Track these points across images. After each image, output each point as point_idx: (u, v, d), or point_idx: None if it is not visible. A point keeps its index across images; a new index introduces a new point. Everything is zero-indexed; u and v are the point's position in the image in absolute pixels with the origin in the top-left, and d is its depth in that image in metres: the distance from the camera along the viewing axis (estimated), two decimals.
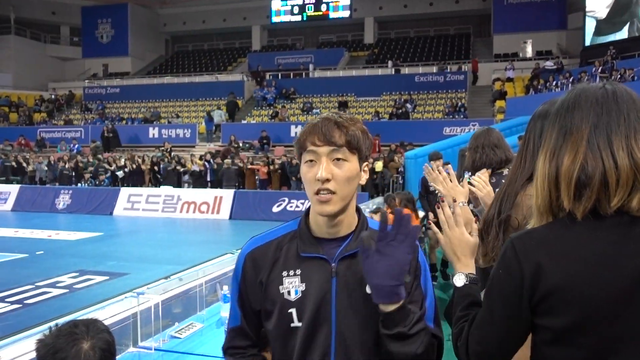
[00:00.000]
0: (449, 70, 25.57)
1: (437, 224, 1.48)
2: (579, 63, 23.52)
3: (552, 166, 1.10)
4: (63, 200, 16.53)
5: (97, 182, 18.08)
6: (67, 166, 19.19)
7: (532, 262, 1.06)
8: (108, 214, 15.71)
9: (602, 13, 23.01)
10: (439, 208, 1.43)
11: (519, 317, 1.09)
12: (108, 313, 2.96)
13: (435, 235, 1.45)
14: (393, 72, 26.42)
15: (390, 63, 27.83)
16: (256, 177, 17.51)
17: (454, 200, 1.83)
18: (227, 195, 15.28)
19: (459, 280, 1.31)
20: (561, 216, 1.09)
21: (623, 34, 22.03)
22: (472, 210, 2.77)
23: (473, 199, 3.05)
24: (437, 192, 2.19)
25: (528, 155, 1.69)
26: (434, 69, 25.68)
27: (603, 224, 1.04)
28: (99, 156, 20.09)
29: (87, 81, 31.95)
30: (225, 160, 17.24)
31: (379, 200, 9.56)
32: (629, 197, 1.03)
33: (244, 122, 24.17)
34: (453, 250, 1.37)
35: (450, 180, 2.08)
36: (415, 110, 22.85)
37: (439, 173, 2.13)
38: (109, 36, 34.39)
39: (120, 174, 18.47)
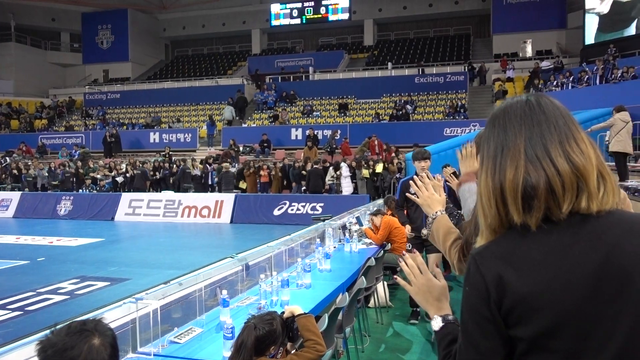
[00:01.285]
0: (461, 70, 25.55)
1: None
2: (579, 62, 23.49)
3: (495, 183, 1.11)
4: (64, 206, 16.55)
5: (97, 188, 18.09)
6: (67, 169, 19.24)
7: (494, 274, 1.07)
8: (109, 219, 15.72)
9: (604, 8, 22.93)
10: (401, 261, 1.47)
11: (495, 331, 1.08)
12: (107, 319, 2.95)
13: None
14: (393, 74, 26.43)
15: (390, 65, 27.84)
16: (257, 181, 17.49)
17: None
18: (228, 199, 15.28)
19: (436, 324, 1.33)
20: (514, 227, 1.11)
21: (630, 30, 21.93)
22: (460, 213, 2.71)
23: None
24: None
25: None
26: (434, 70, 25.67)
27: (556, 227, 1.06)
28: (92, 164, 20.10)
29: (87, 87, 32.03)
30: (224, 164, 17.24)
31: (380, 202, 9.55)
32: (577, 199, 1.06)
33: (244, 125, 24.19)
34: (424, 298, 1.40)
35: (427, 189, 2.03)
36: (416, 112, 22.83)
37: (423, 178, 2.09)
38: (109, 42, 34.49)
39: (120, 179, 18.48)
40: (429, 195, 2.00)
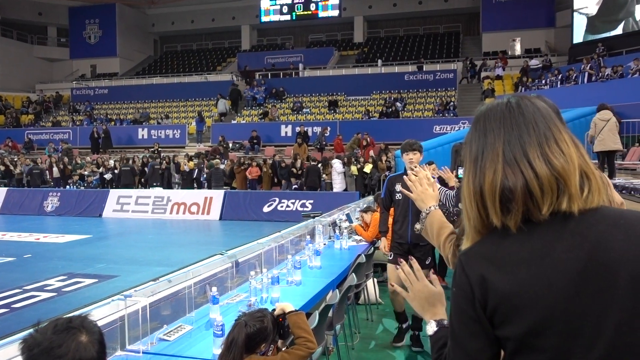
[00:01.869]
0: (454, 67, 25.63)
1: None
2: (567, 60, 23.68)
3: (476, 186, 1.12)
4: (51, 202, 16.37)
5: (85, 185, 17.93)
6: (52, 163, 19.08)
7: (477, 274, 1.08)
8: (97, 216, 15.58)
9: (592, 10, 23.13)
10: (398, 268, 1.48)
11: (482, 331, 1.09)
12: (95, 316, 2.91)
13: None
14: (383, 71, 26.46)
15: (379, 62, 27.87)
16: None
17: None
18: (217, 195, 15.21)
19: (431, 329, 1.34)
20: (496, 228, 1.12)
21: (618, 31, 22.15)
22: (457, 210, 2.72)
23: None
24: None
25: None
26: (424, 67, 25.74)
27: (537, 227, 1.06)
28: (80, 160, 19.91)
29: (75, 82, 31.70)
30: (215, 161, 17.16)
31: (370, 199, 9.56)
32: (558, 201, 1.05)
33: (233, 122, 24.10)
34: (420, 304, 1.41)
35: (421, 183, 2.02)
36: (405, 109, 22.88)
37: (418, 171, 2.07)
38: (96, 37, 34.14)
39: (108, 176, 18.33)
40: (423, 190, 1.99)
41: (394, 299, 5.03)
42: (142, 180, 17.96)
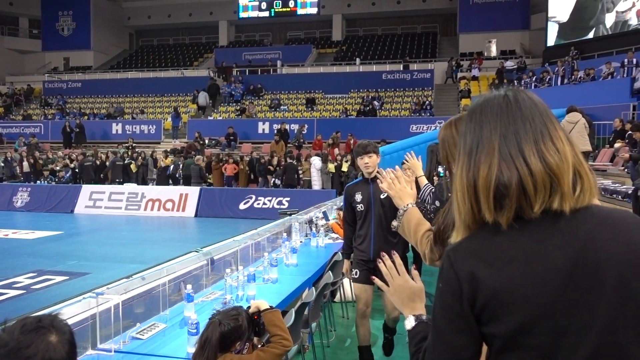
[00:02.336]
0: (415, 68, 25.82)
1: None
2: (541, 63, 24.09)
3: (469, 179, 1.10)
4: (21, 198, 15.98)
5: (56, 180, 17.54)
6: (23, 157, 18.64)
7: (466, 271, 1.07)
8: (69, 212, 15.27)
9: (564, 17, 23.58)
10: (379, 262, 1.47)
11: (467, 328, 1.09)
12: (65, 314, 2.84)
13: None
14: (361, 69, 26.54)
15: (358, 60, 27.94)
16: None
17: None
18: (192, 192, 15.05)
19: (409, 323, 1.33)
20: (487, 224, 1.11)
21: (589, 37, 22.62)
22: (435, 207, 2.73)
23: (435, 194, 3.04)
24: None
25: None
26: (401, 67, 25.90)
27: (528, 225, 1.06)
28: (51, 155, 19.51)
29: (47, 75, 30.98)
30: (196, 157, 16.99)
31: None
32: (550, 199, 1.05)
33: (210, 118, 23.87)
34: (400, 299, 1.40)
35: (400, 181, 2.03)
36: (383, 108, 22.99)
37: (388, 172, 2.08)
38: (70, 29, 33.39)
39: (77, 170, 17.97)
40: (401, 188, 2.01)
41: (359, 329, 4.28)
42: (102, 176, 17.62)
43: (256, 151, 19.19)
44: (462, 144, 1.16)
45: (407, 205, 1.95)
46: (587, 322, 1.01)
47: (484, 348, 1.14)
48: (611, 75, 16.65)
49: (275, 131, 20.01)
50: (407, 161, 3.08)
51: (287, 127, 20.27)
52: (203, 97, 24.78)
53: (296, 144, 19.63)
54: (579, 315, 1.01)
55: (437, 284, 1.14)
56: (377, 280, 1.51)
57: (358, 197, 4.24)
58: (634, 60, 16.23)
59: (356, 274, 4.29)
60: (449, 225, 1.60)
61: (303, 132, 20.15)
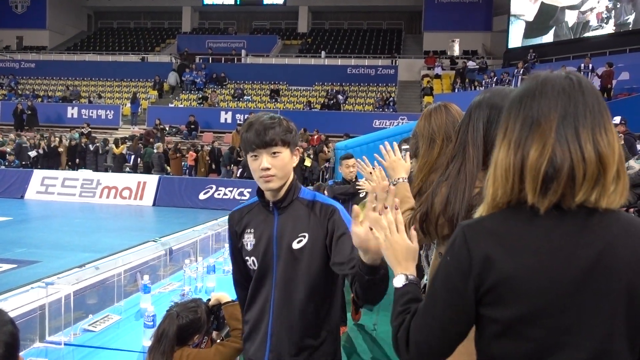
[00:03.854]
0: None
1: None
2: (502, 64, 24.68)
3: (517, 157, 1.06)
4: None
5: (6, 164, 16.80)
6: None
7: (482, 251, 1.04)
8: (19, 197, 14.65)
9: (530, 16, 24.22)
10: (381, 214, 1.39)
11: (463, 306, 1.07)
12: (12, 305, 2.69)
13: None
14: (326, 63, 26.53)
15: (323, 53, 27.91)
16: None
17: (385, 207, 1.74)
18: (151, 180, 14.70)
19: (399, 281, 1.28)
20: (519, 206, 1.07)
21: (549, 37, 23.35)
22: None
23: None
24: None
25: (473, 147, 1.57)
26: (366, 62, 26.04)
27: (562, 216, 1.03)
28: (1, 137, 18.70)
29: None
30: (157, 144, 16.59)
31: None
32: (592, 191, 1.02)
33: (171, 105, 23.37)
34: (394, 255, 1.35)
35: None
36: (347, 102, 23.06)
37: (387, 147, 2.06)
38: (24, 6, 31.94)
39: (32, 153, 17.27)
40: (396, 159, 1.98)
41: None
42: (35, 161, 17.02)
43: (218, 140, 18.93)
44: (513, 119, 1.10)
45: (399, 179, 1.92)
46: (591, 326, 1.00)
47: (471, 331, 1.13)
48: None
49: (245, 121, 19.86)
50: (383, 159, 2.19)
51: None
52: (173, 77, 24.65)
53: None
54: (585, 318, 1.00)
55: (444, 256, 1.11)
56: (374, 232, 1.43)
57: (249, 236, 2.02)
58: (590, 66, 16.81)
59: None
60: (435, 210, 1.57)
61: None
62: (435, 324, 1.10)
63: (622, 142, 6.81)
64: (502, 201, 1.08)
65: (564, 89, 1.07)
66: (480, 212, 1.14)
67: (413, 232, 1.38)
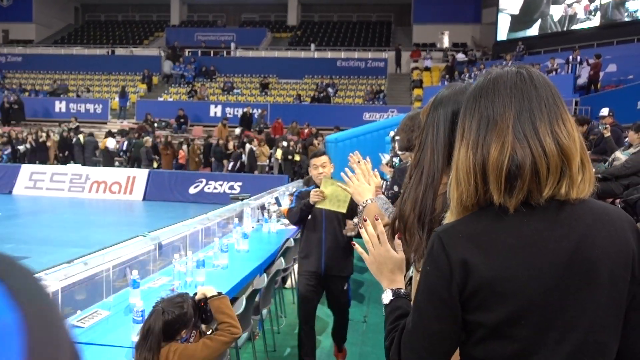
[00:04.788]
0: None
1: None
2: (491, 56, 24.73)
3: (477, 158, 1.04)
4: None
5: None
6: None
7: (460, 256, 1.02)
8: (7, 192, 14.51)
9: (515, 10, 24.29)
10: (361, 228, 1.40)
11: (451, 315, 1.04)
12: None
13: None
14: (316, 56, 26.45)
15: (312, 46, 27.81)
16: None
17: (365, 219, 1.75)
18: (140, 175, 14.62)
19: (386, 298, 1.28)
20: (488, 206, 1.06)
21: (534, 30, 23.43)
22: (393, 192, 2.74)
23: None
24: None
25: (439, 146, 1.52)
26: (356, 55, 25.98)
27: (532, 212, 1.02)
28: None
29: None
30: (145, 138, 16.49)
31: (297, 183, 9.56)
32: (559, 184, 1.01)
33: (160, 99, 23.20)
34: (379, 269, 1.33)
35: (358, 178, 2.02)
36: (337, 95, 23.03)
37: (356, 167, 2.06)
38: None
39: (22, 148, 17.11)
40: (359, 184, 2.00)
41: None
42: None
43: (209, 134, 18.89)
44: (468, 120, 1.09)
45: (367, 201, 1.94)
46: (574, 319, 1.00)
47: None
48: (555, 71, 17.28)
49: (240, 116, 19.96)
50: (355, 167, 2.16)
51: (251, 111, 20.24)
52: (168, 66, 24.55)
53: (257, 129, 19.59)
54: (567, 311, 1.00)
55: (424, 266, 1.08)
56: (357, 248, 1.45)
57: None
58: (578, 58, 16.89)
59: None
60: (408, 213, 1.56)
61: (262, 116, 20.31)
62: (426, 339, 1.07)
63: (610, 134, 6.85)
64: (469, 203, 1.06)
65: (515, 85, 1.06)
66: (448, 217, 1.12)
67: (398, 241, 1.36)
